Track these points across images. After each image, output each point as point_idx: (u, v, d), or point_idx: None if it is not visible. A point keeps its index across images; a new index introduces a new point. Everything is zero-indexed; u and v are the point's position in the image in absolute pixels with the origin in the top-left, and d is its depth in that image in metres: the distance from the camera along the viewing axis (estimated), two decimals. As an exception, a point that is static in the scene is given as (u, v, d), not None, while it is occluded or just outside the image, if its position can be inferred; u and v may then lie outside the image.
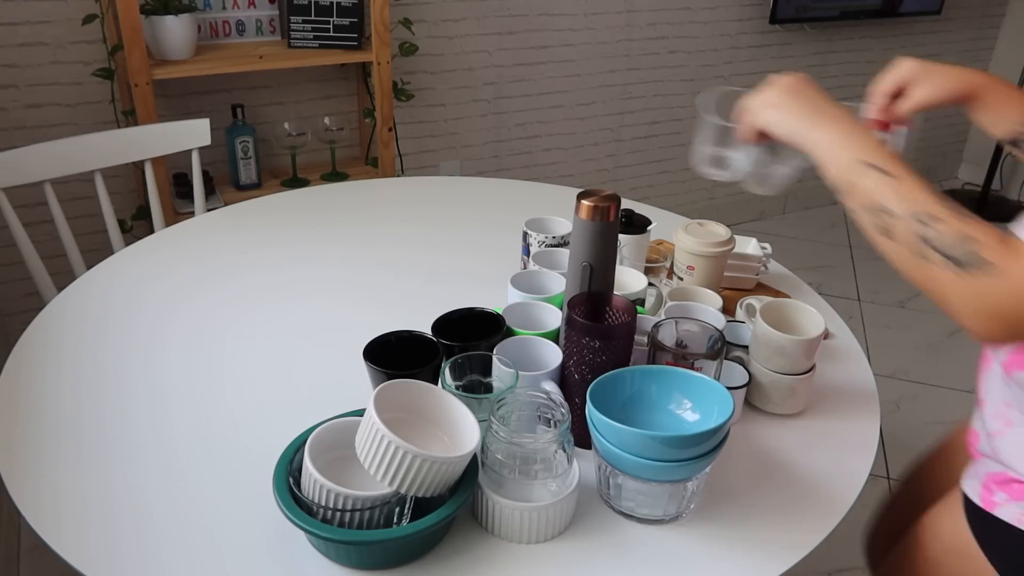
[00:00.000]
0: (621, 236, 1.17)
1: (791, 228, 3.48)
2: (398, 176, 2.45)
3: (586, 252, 0.93)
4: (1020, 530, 0.83)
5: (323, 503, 0.74)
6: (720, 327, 1.00)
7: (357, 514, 0.74)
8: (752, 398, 1.02)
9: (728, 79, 3.11)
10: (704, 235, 1.18)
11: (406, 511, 0.78)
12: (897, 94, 1.00)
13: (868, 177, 0.74)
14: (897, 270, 0.73)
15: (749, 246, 1.30)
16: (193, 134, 1.75)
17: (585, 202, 0.92)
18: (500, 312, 0.99)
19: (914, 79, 0.99)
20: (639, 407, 0.87)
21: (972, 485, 0.91)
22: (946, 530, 0.94)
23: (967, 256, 0.68)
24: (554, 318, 1.01)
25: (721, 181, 0.88)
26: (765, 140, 0.88)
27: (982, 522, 0.88)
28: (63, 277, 2.21)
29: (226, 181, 2.28)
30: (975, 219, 0.70)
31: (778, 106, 0.83)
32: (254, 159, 2.19)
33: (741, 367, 1.01)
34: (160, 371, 1.06)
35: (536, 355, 0.95)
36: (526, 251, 1.26)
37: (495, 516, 0.80)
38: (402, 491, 0.75)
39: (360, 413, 0.83)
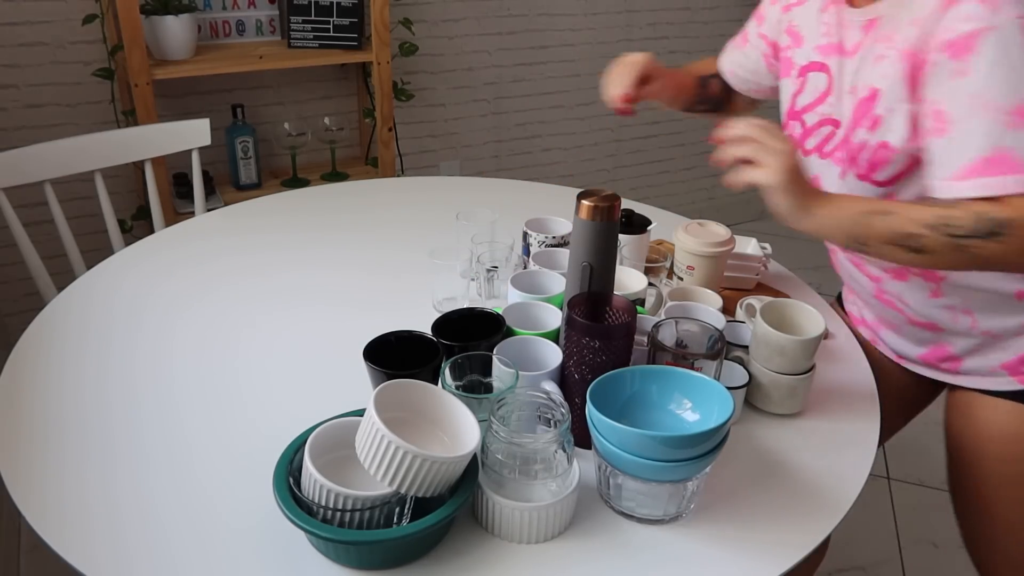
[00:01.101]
0: (621, 236, 1.17)
1: (791, 228, 3.48)
2: (398, 176, 2.46)
3: (586, 252, 0.93)
4: None
5: (323, 503, 0.74)
6: (720, 327, 1.00)
7: (357, 514, 0.74)
8: (752, 398, 1.02)
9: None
10: (704, 235, 1.18)
11: (406, 511, 0.78)
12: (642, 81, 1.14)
13: (874, 222, 0.87)
14: (947, 269, 0.90)
15: (749, 246, 1.30)
16: (193, 134, 1.75)
17: (585, 202, 0.92)
18: (500, 312, 0.99)
19: (649, 74, 1.15)
20: (639, 407, 0.87)
21: (1000, 382, 1.04)
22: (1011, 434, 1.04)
23: (991, 224, 0.82)
24: (554, 318, 1.01)
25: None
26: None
27: None
28: (63, 277, 2.20)
29: (226, 181, 2.28)
30: (965, 199, 0.84)
31: (783, 192, 0.88)
32: (254, 159, 2.19)
33: (741, 367, 1.01)
34: (160, 372, 1.06)
35: (536, 355, 0.95)
36: (526, 251, 1.26)
37: (495, 516, 0.80)
38: (402, 491, 0.75)
39: (360, 413, 0.83)
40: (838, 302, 1.33)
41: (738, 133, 0.90)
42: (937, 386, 1.16)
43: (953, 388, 1.12)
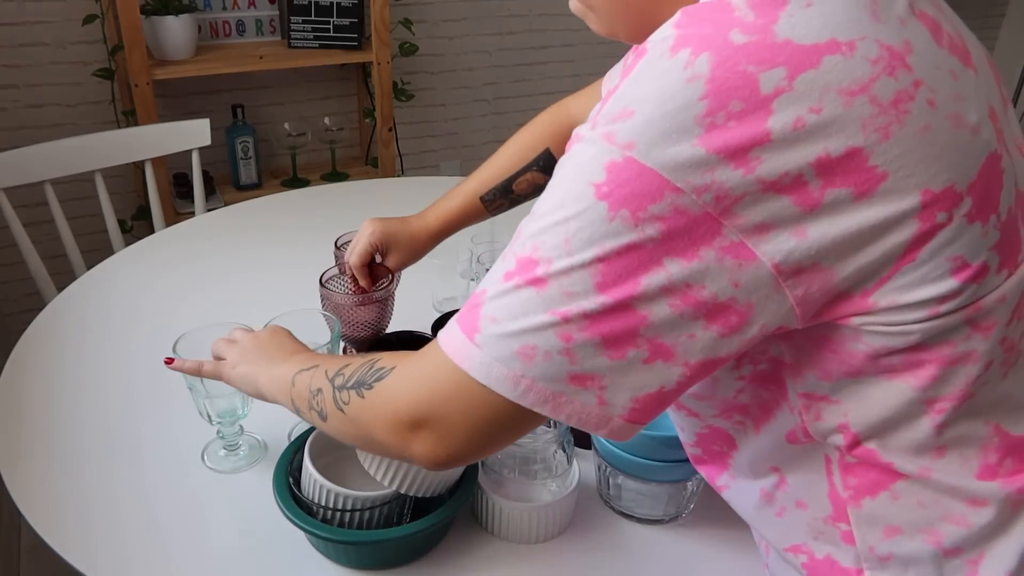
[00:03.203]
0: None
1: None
2: (398, 176, 2.46)
3: (586, 252, 0.93)
4: None
5: (323, 503, 0.74)
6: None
7: (357, 514, 0.74)
8: (752, 398, 1.01)
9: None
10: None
11: (406, 511, 0.78)
12: (371, 258, 1.01)
13: (299, 380, 0.70)
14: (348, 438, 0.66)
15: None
16: (193, 134, 1.75)
17: (585, 202, 0.91)
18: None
19: (384, 244, 1.00)
20: (639, 407, 0.87)
21: None
22: None
23: (365, 375, 0.62)
24: (554, 318, 1.01)
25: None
26: None
27: None
28: (63, 277, 2.20)
29: (226, 181, 2.28)
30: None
31: (239, 362, 0.78)
32: (254, 159, 2.19)
33: (741, 367, 1.01)
34: (160, 371, 1.06)
35: (536, 355, 0.95)
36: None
37: (495, 516, 0.80)
38: (402, 491, 0.75)
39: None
40: None
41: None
42: None
43: None
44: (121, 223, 2.17)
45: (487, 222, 1.25)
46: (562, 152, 0.68)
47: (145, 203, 2.16)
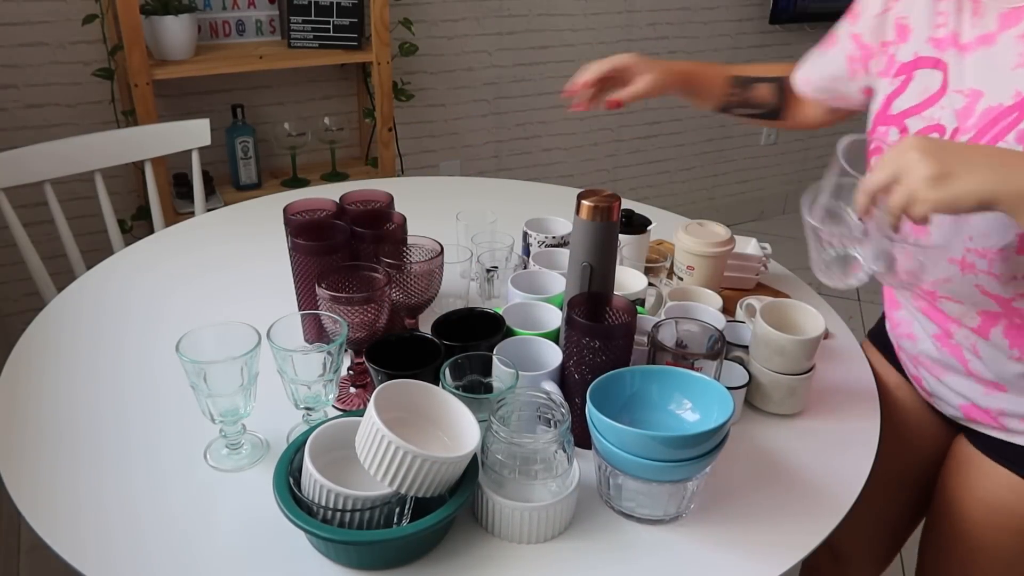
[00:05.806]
0: (621, 236, 1.17)
1: (791, 228, 3.48)
2: (398, 176, 2.46)
3: (586, 252, 0.93)
4: None
5: (323, 503, 0.74)
6: (720, 327, 1.00)
7: (357, 514, 0.74)
8: (752, 398, 1.02)
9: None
10: (704, 235, 1.18)
11: (406, 511, 0.78)
12: (607, 81, 1.10)
13: None
14: None
15: (749, 246, 1.30)
16: (193, 134, 1.75)
17: (585, 202, 0.92)
18: (500, 312, 0.99)
19: (632, 70, 1.09)
20: (639, 407, 0.87)
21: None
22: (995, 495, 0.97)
23: None
24: (554, 318, 1.01)
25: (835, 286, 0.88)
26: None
27: None
28: (63, 277, 2.20)
29: (226, 181, 2.28)
30: None
31: (950, 175, 0.67)
32: (254, 159, 2.19)
33: (741, 367, 1.01)
34: (161, 369, 1.06)
35: (536, 355, 0.95)
36: (526, 251, 1.26)
37: (495, 516, 0.80)
38: (402, 491, 0.75)
39: (360, 413, 0.83)
40: (869, 339, 1.20)
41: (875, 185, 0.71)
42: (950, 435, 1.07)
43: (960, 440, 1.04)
44: (121, 223, 2.17)
45: (488, 222, 1.25)
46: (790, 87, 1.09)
47: (145, 203, 2.16)
